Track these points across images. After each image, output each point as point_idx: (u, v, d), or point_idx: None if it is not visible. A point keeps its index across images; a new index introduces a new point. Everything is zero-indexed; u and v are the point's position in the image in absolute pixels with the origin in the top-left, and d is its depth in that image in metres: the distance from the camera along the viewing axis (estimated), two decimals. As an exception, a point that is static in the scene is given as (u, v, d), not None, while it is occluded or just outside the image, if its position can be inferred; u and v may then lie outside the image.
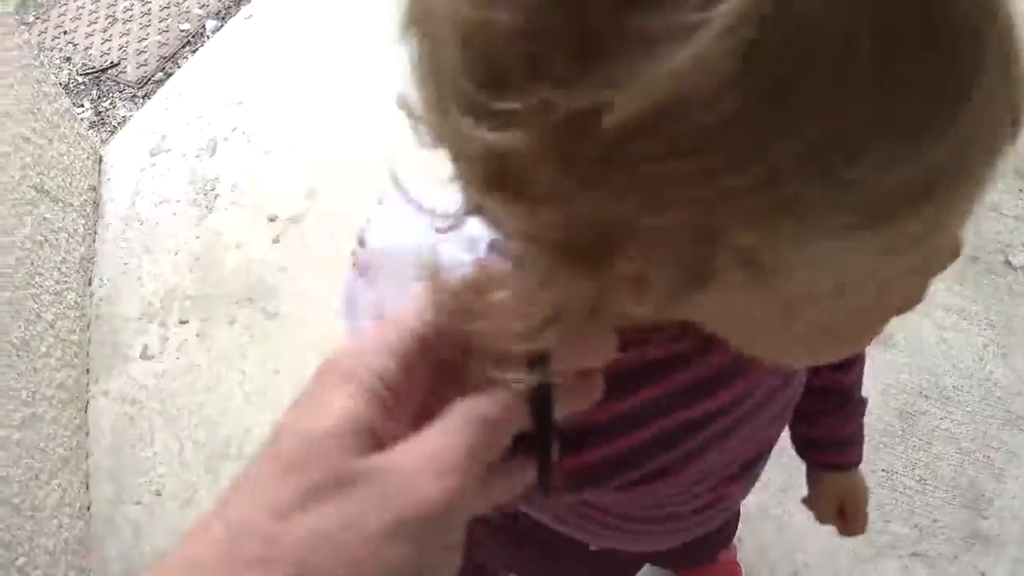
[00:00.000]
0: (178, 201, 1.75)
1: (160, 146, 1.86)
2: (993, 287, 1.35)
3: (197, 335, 1.53)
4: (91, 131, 1.93)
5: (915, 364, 1.29)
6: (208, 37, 2.11)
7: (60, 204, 1.61)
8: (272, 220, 1.66)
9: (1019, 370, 1.27)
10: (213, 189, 1.75)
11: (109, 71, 2.10)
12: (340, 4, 2.05)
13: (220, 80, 1.97)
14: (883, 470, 1.22)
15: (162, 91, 1.99)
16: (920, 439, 1.23)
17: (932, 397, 1.26)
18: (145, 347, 1.53)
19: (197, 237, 1.68)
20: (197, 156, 1.82)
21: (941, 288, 1.33)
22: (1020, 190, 1.44)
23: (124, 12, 2.26)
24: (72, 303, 1.54)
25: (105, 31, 2.22)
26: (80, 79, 2.10)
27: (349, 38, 1.96)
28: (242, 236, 1.66)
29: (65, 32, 2.25)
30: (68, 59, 2.17)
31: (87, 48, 2.18)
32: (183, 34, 2.14)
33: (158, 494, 1.36)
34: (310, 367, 0.29)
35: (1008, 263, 1.37)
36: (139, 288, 1.62)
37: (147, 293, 1.61)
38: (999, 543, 1.19)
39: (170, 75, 2.04)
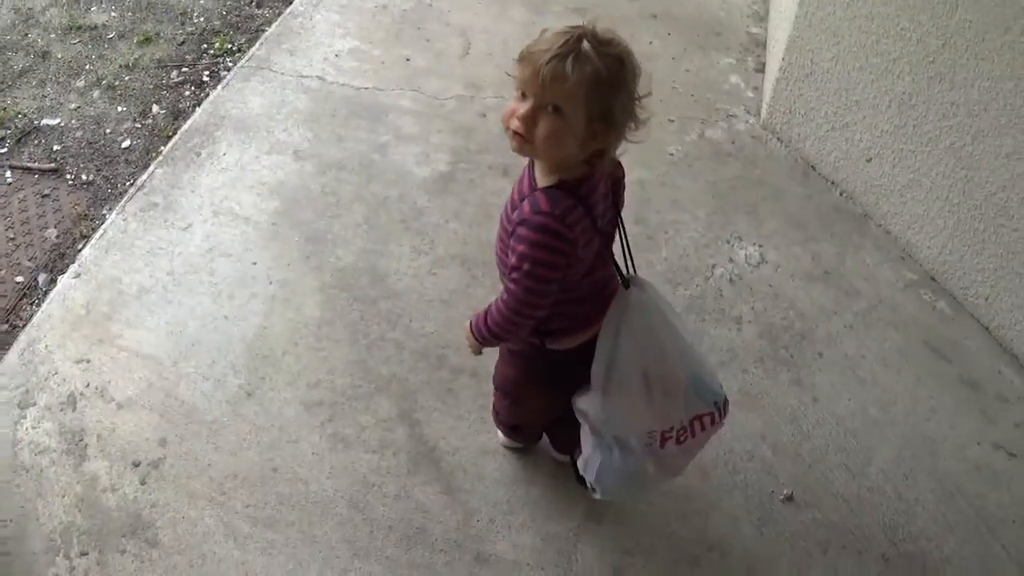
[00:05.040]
0: (54, 451, 2.39)
1: (26, 400, 2.46)
2: None
3: (98, 564, 2.23)
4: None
5: None
6: (42, 290, 2.68)
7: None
8: (136, 465, 2.38)
9: None
10: (81, 440, 2.41)
11: (-47, 320, 2.60)
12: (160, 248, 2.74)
13: (64, 338, 2.59)
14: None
15: (15, 347, 2.56)
16: None
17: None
18: (57, 576, 2.21)
19: (78, 482, 2.34)
20: (61, 410, 2.45)
21: None
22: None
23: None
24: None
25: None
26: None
27: (175, 285, 2.68)
28: (114, 480, 2.36)
29: None
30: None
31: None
32: (19, 286, 2.68)
33: None
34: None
35: None
36: (40, 527, 2.26)
37: (48, 531, 2.26)
38: None
39: (15, 327, 2.60)
